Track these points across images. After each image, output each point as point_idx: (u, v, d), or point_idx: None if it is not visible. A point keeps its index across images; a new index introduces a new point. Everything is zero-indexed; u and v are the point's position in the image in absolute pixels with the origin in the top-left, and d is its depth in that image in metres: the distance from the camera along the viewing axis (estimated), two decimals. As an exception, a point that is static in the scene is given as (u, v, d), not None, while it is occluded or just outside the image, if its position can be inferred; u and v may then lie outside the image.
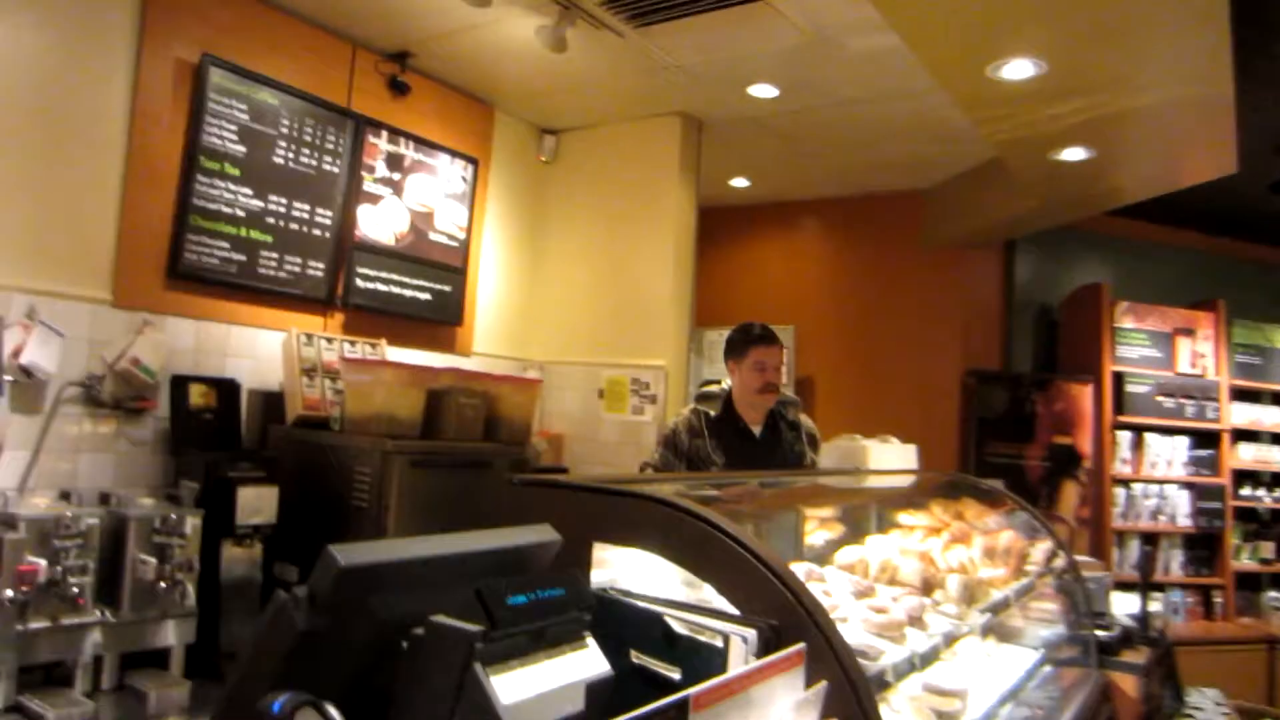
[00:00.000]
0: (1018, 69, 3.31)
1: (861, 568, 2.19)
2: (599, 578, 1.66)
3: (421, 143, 4.42)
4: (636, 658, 1.45)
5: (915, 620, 1.96)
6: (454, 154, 4.60)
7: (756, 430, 3.27)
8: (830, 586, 2.04)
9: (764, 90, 4.45)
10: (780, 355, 3.24)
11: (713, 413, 3.26)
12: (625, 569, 1.72)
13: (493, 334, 4.93)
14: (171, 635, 2.76)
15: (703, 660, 1.37)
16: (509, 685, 1.15)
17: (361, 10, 3.87)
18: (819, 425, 3.53)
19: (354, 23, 4.00)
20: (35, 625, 2.47)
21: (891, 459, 4.26)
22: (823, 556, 2.31)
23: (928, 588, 2.15)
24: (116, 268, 3.33)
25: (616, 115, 4.98)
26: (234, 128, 3.64)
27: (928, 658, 1.88)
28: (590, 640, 1.32)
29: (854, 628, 1.85)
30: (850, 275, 6.39)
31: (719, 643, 1.37)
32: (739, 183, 6.19)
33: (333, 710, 1.09)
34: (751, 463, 3.19)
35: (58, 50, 3.17)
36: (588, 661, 1.29)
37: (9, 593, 2.39)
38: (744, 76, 4.31)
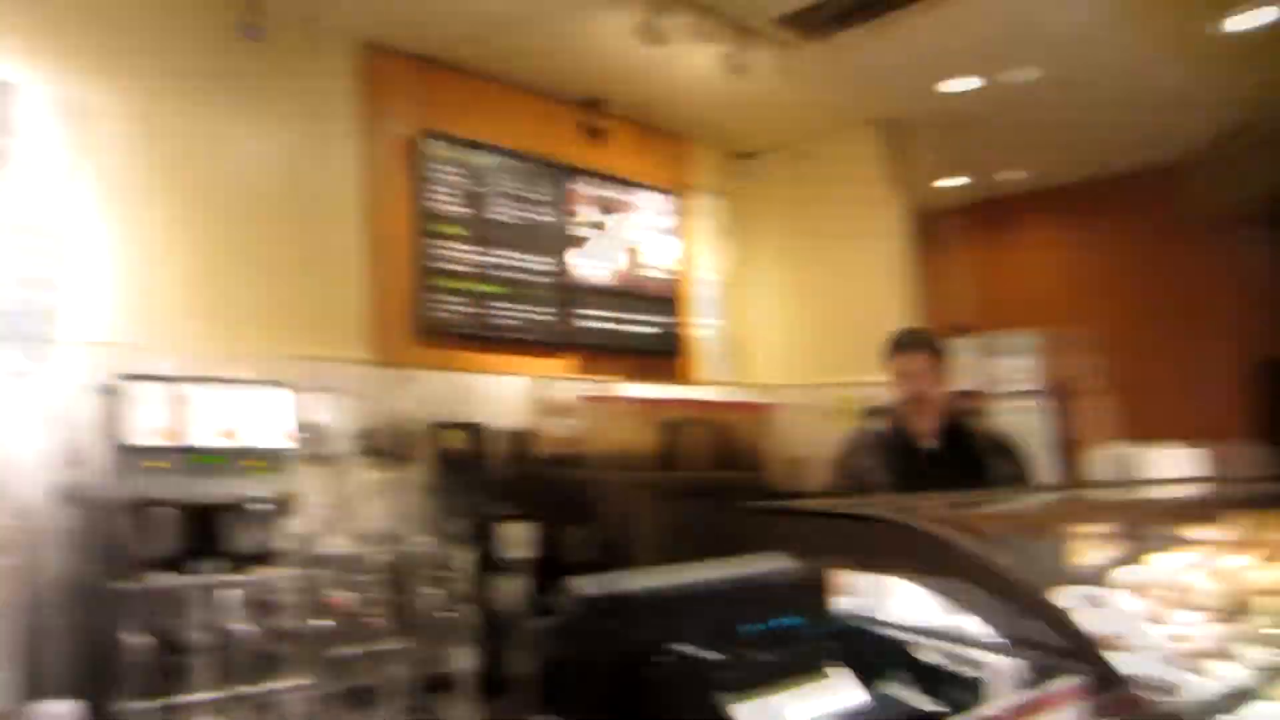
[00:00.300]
0: (1254, 17, 2.98)
1: (1148, 590, 1.98)
2: (843, 605, 1.60)
3: (623, 183, 4.59)
4: (884, 688, 1.39)
5: (1220, 650, 1.74)
6: (655, 189, 4.74)
7: (930, 445, 2.99)
8: (1110, 611, 1.87)
9: (963, 83, 4.28)
10: (925, 362, 2.92)
11: (881, 429, 3.06)
12: (872, 596, 1.65)
13: (718, 362, 5.00)
14: (456, 661, 3.01)
15: (959, 692, 1.31)
16: (751, 714, 1.16)
17: (553, 66, 4.08)
18: (1081, 432, 3.24)
19: (548, 79, 4.22)
20: (346, 651, 2.80)
21: (1171, 466, 3.80)
22: (1098, 578, 2.10)
23: (1230, 613, 1.92)
24: (372, 330, 3.70)
25: (810, 131, 4.95)
26: (454, 192, 3.95)
27: (1240, 696, 1.62)
28: (834, 670, 1.31)
29: (1143, 658, 1.65)
30: (1102, 264, 5.80)
31: (977, 673, 1.32)
32: (953, 182, 5.95)
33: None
34: (924, 481, 2.95)
35: (299, 145, 3.58)
36: (833, 691, 1.27)
37: (317, 624, 2.73)
38: (938, 72, 4.18)
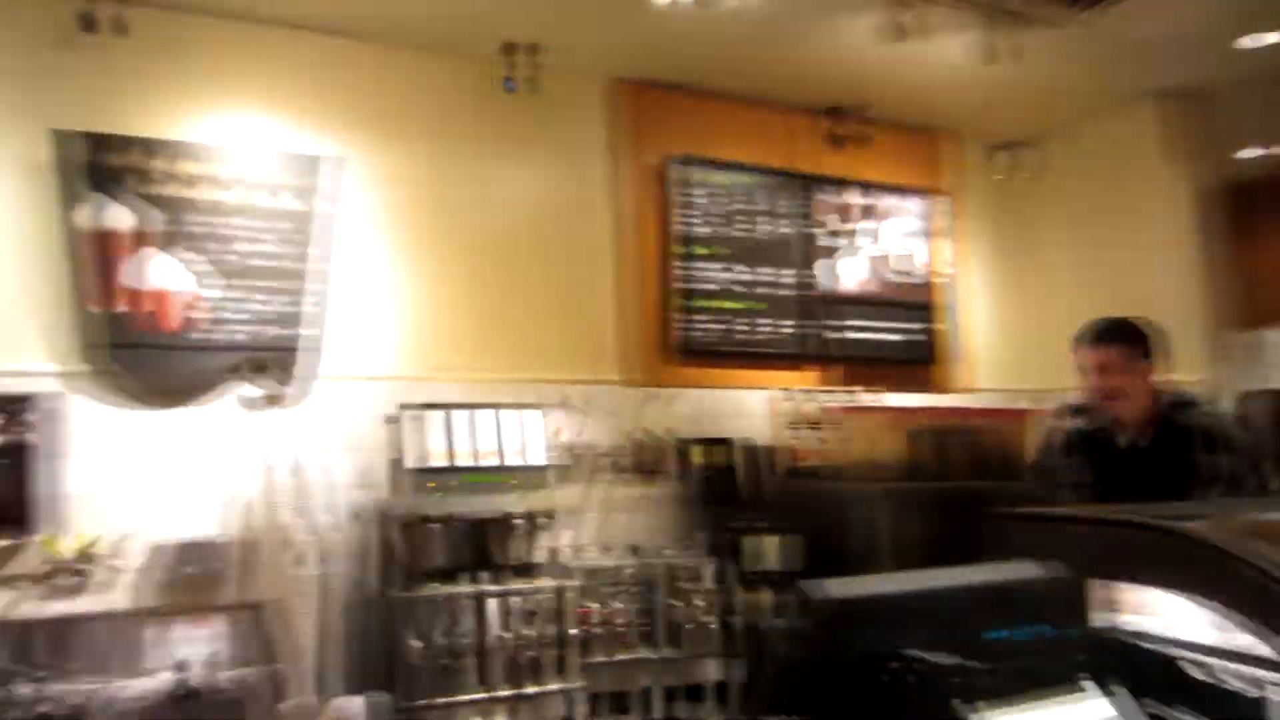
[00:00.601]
0: None
1: None
2: (1101, 617, 1.50)
3: (871, 187, 4.46)
4: (1152, 707, 1.28)
5: None
6: (907, 191, 4.56)
7: (1133, 442, 2.70)
8: None
9: (1262, 38, 3.73)
10: (1117, 355, 2.67)
11: (1080, 426, 2.78)
12: (1133, 608, 1.51)
13: (977, 367, 4.71)
14: (705, 672, 3.07)
15: (1238, 712, 1.20)
16: None
17: (808, 79, 4.06)
18: None
19: (803, 92, 4.20)
20: (598, 659, 2.94)
21: None
22: None
23: None
24: (623, 352, 3.88)
25: (1079, 112, 4.51)
26: (699, 213, 4.05)
27: None
28: (1091, 684, 1.22)
29: None
30: None
31: (1259, 692, 1.19)
32: (1259, 152, 5.19)
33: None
34: (1125, 480, 2.63)
35: (557, 183, 3.86)
36: (1087, 707, 1.19)
37: (574, 632, 2.86)
38: (1236, 28, 3.66)
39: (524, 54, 3.62)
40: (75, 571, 2.89)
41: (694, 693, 3.09)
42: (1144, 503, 2.54)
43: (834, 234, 4.36)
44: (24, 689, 2.69)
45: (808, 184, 4.31)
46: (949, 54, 3.78)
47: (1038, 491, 2.81)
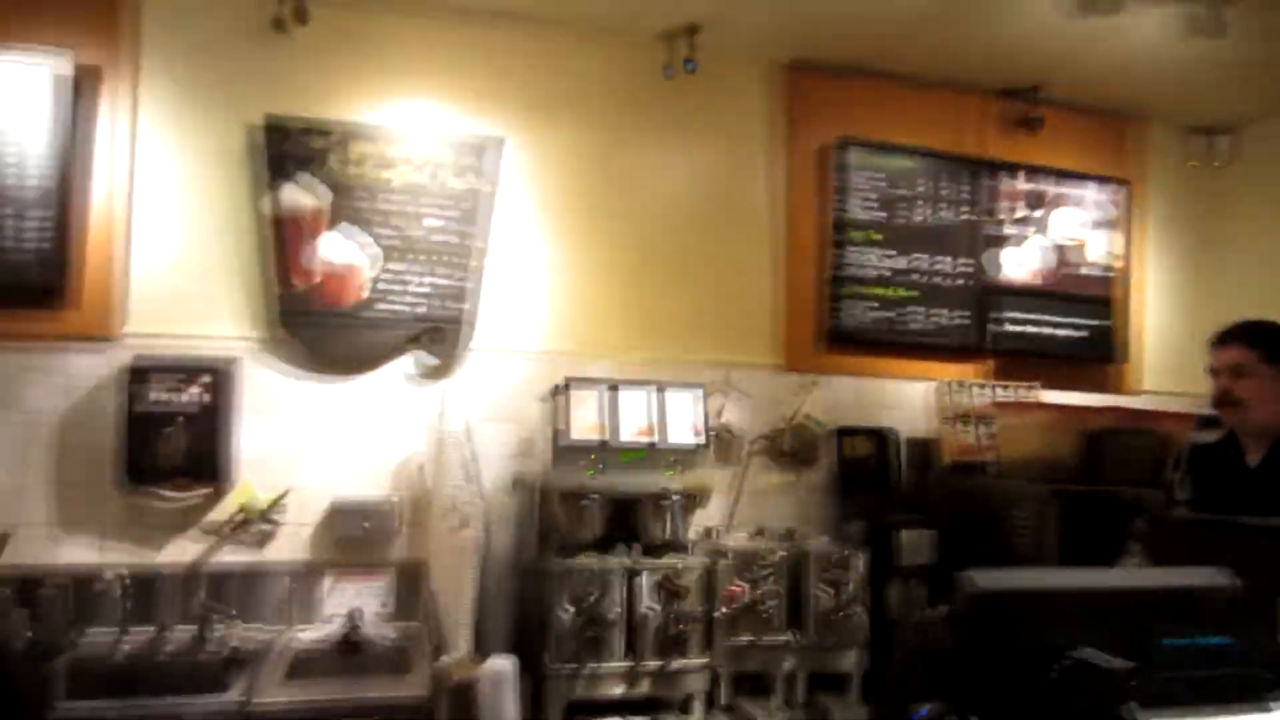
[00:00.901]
0: None
1: None
2: None
3: (1059, 174, 4.22)
4: None
5: None
6: (1097, 179, 4.28)
7: (1259, 460, 2.38)
8: None
9: None
10: (1239, 357, 2.39)
11: (1210, 439, 2.49)
12: None
13: (1162, 368, 4.37)
14: (848, 662, 3.02)
15: None
16: None
17: (983, 59, 3.89)
18: None
19: (976, 73, 4.03)
20: (742, 639, 2.95)
21: None
22: None
23: None
24: (784, 336, 3.85)
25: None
26: (871, 197, 3.95)
27: None
28: (1277, 705, 1.13)
29: None
30: None
31: None
32: None
33: (977, 724, 1.10)
34: (1237, 501, 2.30)
35: (720, 166, 3.85)
36: None
37: (721, 611, 2.87)
38: None
39: (687, 37, 3.63)
40: (263, 524, 3.15)
41: (837, 682, 3.04)
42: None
43: (1005, 222, 4.15)
44: (218, 627, 2.96)
45: (978, 169, 4.12)
46: (1149, 31, 3.52)
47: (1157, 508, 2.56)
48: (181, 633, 2.94)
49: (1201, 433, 2.61)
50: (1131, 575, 1.28)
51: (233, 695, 2.46)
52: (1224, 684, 1.10)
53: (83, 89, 3.12)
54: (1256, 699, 1.10)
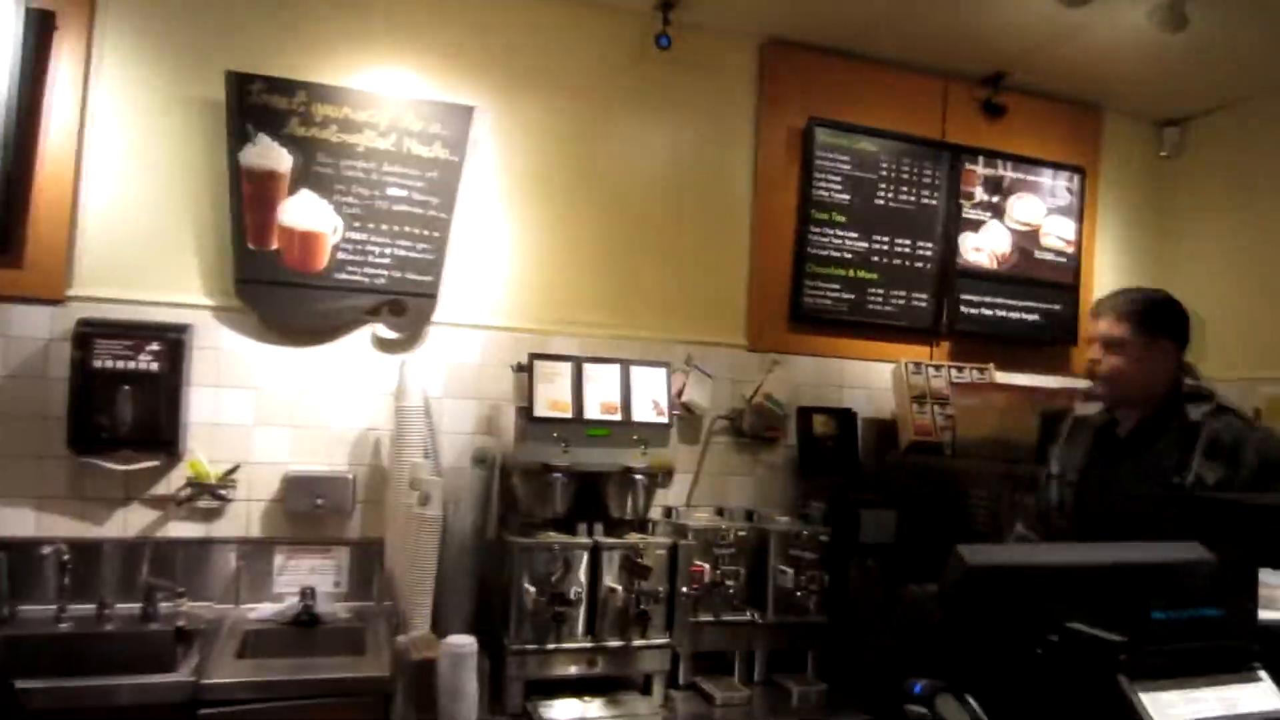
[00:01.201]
0: None
1: None
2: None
3: (1021, 160, 4.27)
4: None
5: None
6: (1057, 167, 4.34)
7: (1123, 432, 2.39)
8: None
9: None
10: (1105, 327, 2.35)
11: (1093, 411, 2.49)
12: None
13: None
14: (808, 640, 3.03)
15: None
16: (1159, 704, 1.06)
17: (951, 44, 3.89)
18: None
19: (944, 58, 4.04)
20: (703, 619, 2.95)
21: None
22: None
23: None
24: (748, 315, 3.83)
25: (1263, 85, 4.18)
26: (838, 179, 3.94)
27: None
28: (1264, 674, 1.16)
29: None
30: None
31: None
32: None
33: (971, 700, 1.09)
34: (1106, 476, 2.37)
35: (698, 142, 3.81)
36: (1260, 696, 1.12)
37: (684, 590, 2.86)
38: None
39: (676, 10, 3.57)
40: (215, 496, 3.05)
41: (798, 660, 3.05)
42: (1112, 498, 2.31)
43: (977, 206, 4.19)
44: (164, 603, 2.86)
45: (955, 154, 4.14)
46: (1122, 23, 3.55)
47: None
48: (125, 609, 2.84)
49: (1084, 404, 2.58)
50: (1118, 550, 1.28)
51: (183, 674, 2.38)
52: (1215, 655, 1.11)
53: (35, 34, 2.94)
54: (1246, 668, 1.11)
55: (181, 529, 3.05)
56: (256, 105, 3.15)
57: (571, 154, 3.62)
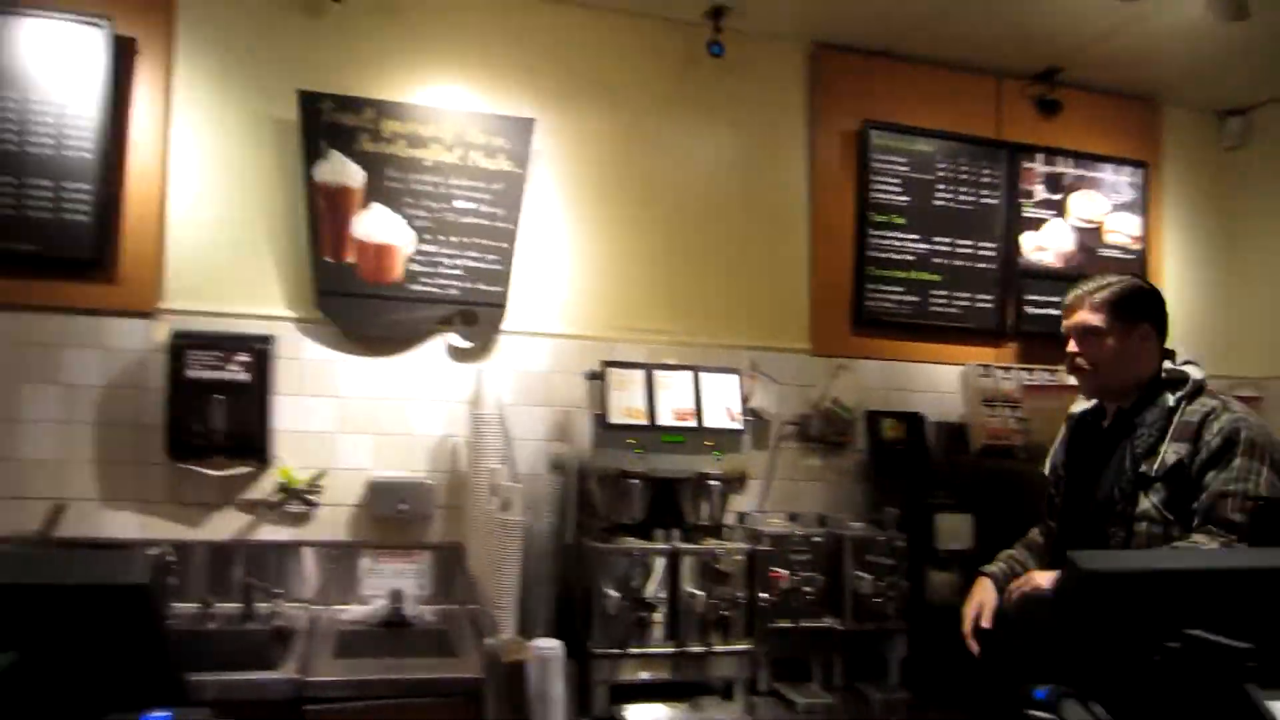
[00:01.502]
0: None
1: None
2: None
3: (1080, 157, 4.24)
4: None
5: None
6: (1118, 162, 4.31)
7: (1109, 426, 2.37)
8: None
9: None
10: (1081, 319, 2.32)
11: (1089, 406, 2.47)
12: None
13: (1185, 348, 4.38)
14: (888, 647, 3.06)
15: None
16: None
17: (1004, 42, 3.88)
18: None
19: (996, 55, 4.02)
20: (782, 625, 2.98)
21: None
22: None
23: None
24: (811, 320, 3.86)
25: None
26: (896, 181, 3.95)
27: None
28: None
29: None
30: None
31: None
32: None
33: (1098, 706, 1.11)
34: (1085, 466, 2.36)
35: (753, 148, 3.84)
36: None
37: (763, 595, 2.89)
38: None
39: (727, 18, 3.61)
40: (303, 501, 3.15)
41: (878, 667, 3.07)
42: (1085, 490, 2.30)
43: (1038, 204, 4.17)
44: (261, 604, 2.96)
45: (1013, 152, 4.13)
46: (1181, 13, 3.52)
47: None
48: (224, 609, 2.95)
49: (1080, 402, 2.56)
50: (1241, 556, 1.30)
51: (287, 671, 2.47)
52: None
53: (118, 59, 3.08)
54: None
55: (272, 532, 3.16)
56: (327, 123, 3.25)
57: (629, 162, 3.68)
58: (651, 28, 3.69)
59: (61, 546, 2.87)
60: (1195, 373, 2.30)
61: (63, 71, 3.00)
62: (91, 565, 1.19)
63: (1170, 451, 2.14)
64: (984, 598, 2.45)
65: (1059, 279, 4.13)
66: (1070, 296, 2.40)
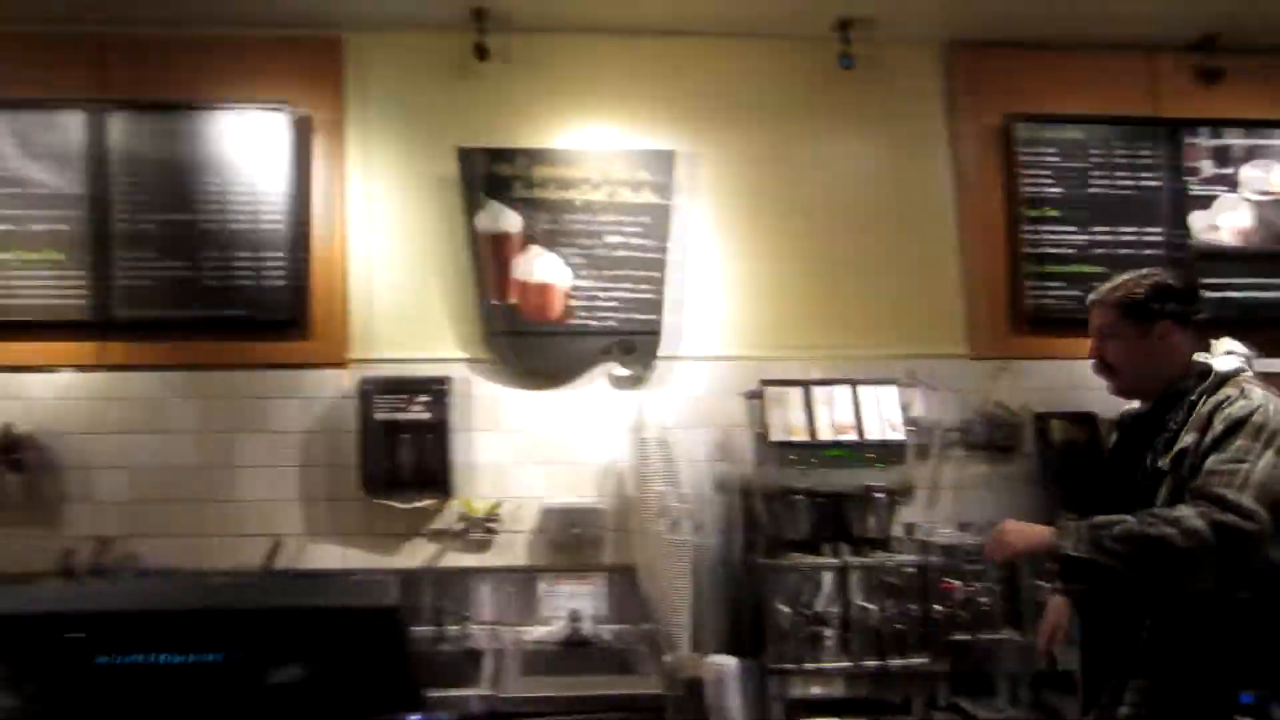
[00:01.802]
0: None
1: None
2: None
3: (1251, 125, 3.95)
4: None
5: None
6: (1295, 127, 4.02)
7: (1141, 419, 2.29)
8: None
9: None
10: (1102, 318, 2.26)
11: (1136, 405, 2.37)
12: None
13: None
14: (1074, 660, 2.92)
15: None
16: None
17: (1151, 14, 3.70)
18: None
19: (1145, 29, 3.82)
20: (959, 638, 2.93)
21: None
22: None
23: None
24: (967, 322, 3.78)
25: None
26: (1046, 172, 3.82)
27: None
28: None
29: None
30: None
31: None
32: None
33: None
34: (1118, 460, 2.29)
35: (891, 154, 3.81)
36: None
37: (938, 608, 2.86)
38: None
39: (856, 29, 3.62)
40: (484, 529, 3.36)
41: (1064, 680, 2.97)
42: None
43: (1206, 180, 3.93)
44: (451, 627, 3.18)
45: (1174, 129, 3.91)
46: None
47: None
48: (418, 631, 3.18)
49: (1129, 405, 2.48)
50: None
51: (482, 689, 2.65)
52: None
53: (299, 138, 3.44)
54: None
55: (457, 559, 3.40)
56: (484, 174, 3.49)
57: (771, 181, 3.73)
58: (781, 48, 3.74)
59: (283, 577, 3.17)
60: (1222, 364, 2.22)
61: (253, 155, 3.40)
62: (346, 592, 1.37)
63: (1181, 444, 2.11)
64: (1058, 620, 2.50)
65: (1239, 259, 3.88)
66: (1093, 295, 2.38)
